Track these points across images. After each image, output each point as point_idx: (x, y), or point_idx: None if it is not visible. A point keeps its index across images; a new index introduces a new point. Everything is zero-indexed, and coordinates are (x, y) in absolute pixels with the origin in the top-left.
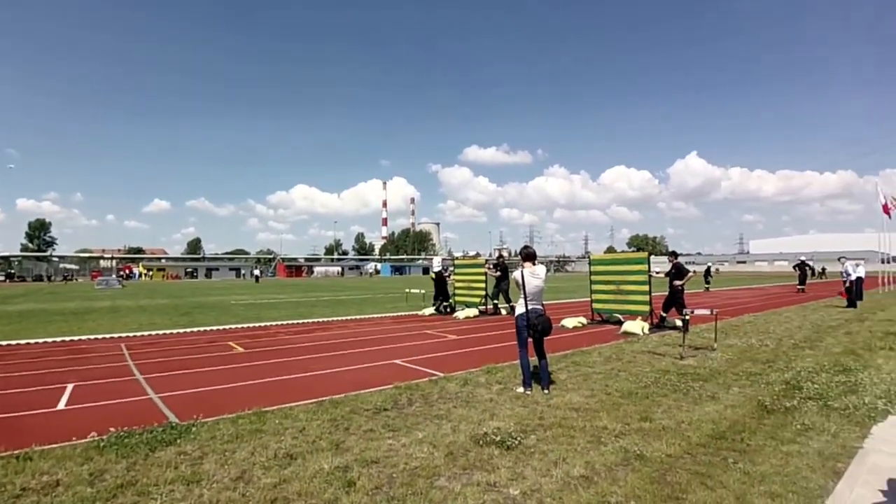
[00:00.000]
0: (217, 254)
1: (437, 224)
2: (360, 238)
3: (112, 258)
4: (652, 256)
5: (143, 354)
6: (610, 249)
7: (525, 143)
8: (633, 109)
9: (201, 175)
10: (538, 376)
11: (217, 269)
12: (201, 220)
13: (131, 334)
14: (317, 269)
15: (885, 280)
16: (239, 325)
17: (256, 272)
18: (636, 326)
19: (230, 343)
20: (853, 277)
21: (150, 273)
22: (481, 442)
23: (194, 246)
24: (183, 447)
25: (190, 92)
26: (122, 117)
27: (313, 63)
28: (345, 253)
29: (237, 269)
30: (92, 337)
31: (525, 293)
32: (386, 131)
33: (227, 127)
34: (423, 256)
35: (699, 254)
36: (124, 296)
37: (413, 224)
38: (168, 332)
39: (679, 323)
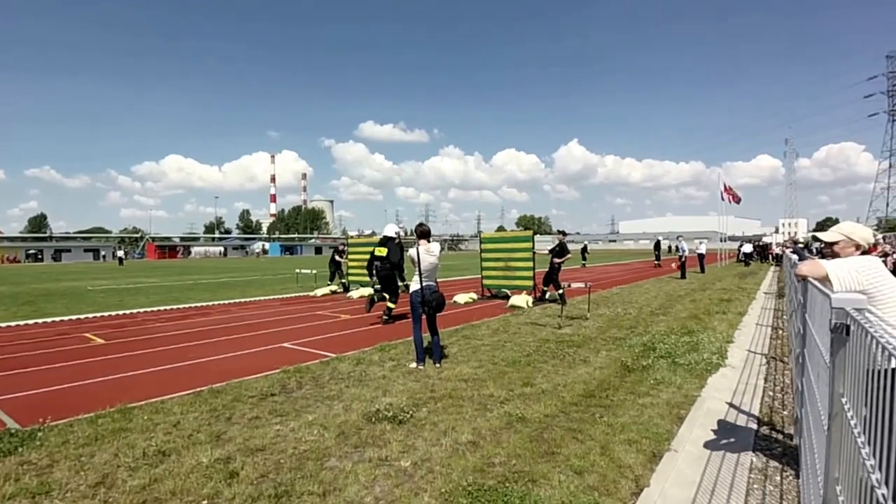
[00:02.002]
0: (69, 233)
1: (331, 201)
2: (245, 215)
3: None
4: (537, 235)
5: None
6: (500, 229)
7: (422, 122)
8: (524, 98)
9: (45, 139)
10: (431, 351)
11: (69, 251)
12: (46, 193)
13: None
14: (195, 250)
15: (723, 256)
16: (98, 314)
17: (120, 253)
18: (521, 300)
19: (87, 335)
20: (687, 254)
21: None
22: (373, 419)
23: (38, 223)
24: (26, 456)
25: (29, 40)
26: None
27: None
28: (228, 231)
29: (95, 251)
30: None
31: (420, 270)
32: (274, 100)
33: (77, 84)
34: (315, 235)
35: (578, 233)
36: None
37: (305, 201)
38: (4, 325)
39: (558, 296)
